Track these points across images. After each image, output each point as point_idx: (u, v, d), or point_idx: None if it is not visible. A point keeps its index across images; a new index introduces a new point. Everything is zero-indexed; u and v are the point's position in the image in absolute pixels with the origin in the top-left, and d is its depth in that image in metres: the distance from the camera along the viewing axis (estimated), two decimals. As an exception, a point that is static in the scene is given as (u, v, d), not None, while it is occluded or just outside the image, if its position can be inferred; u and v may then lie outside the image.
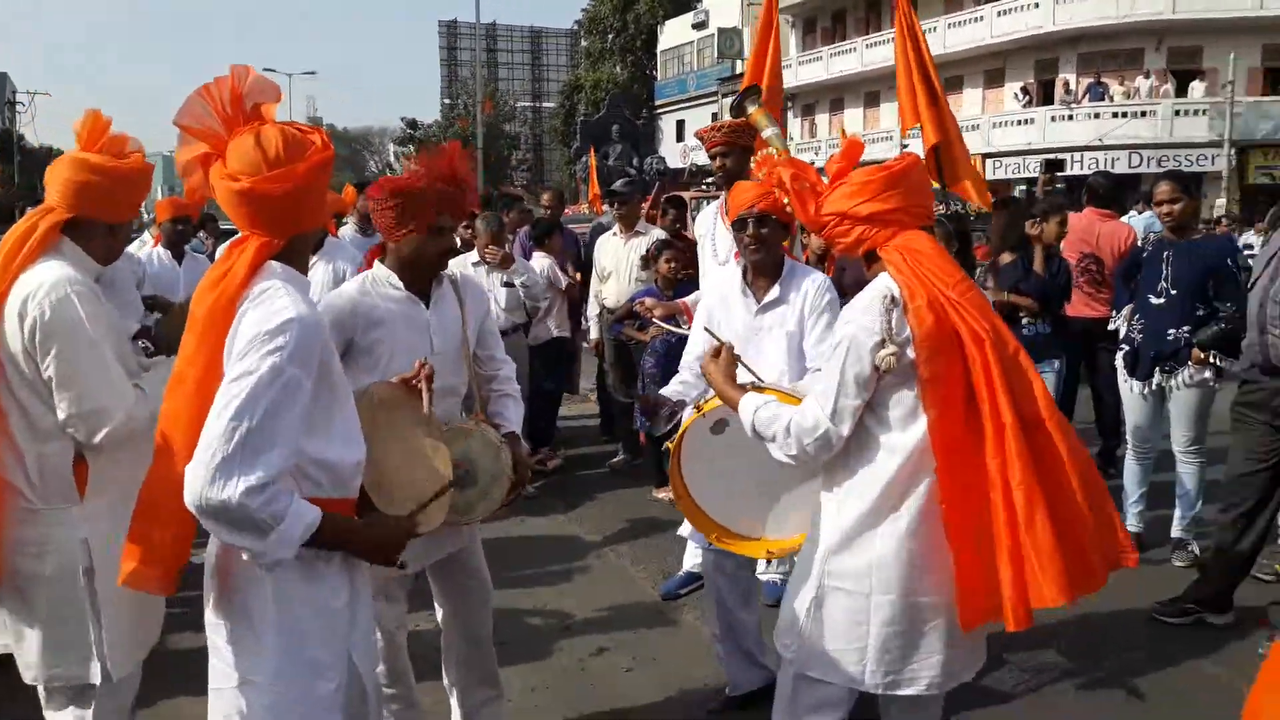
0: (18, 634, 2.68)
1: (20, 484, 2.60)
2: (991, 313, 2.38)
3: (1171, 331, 4.98)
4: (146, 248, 6.15)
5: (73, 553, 2.62)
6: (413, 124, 59.38)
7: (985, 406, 2.28)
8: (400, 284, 3.04)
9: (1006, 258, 5.60)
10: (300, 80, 55.87)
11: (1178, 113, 27.43)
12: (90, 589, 2.64)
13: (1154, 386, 5.11)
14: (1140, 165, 26.61)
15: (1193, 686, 3.92)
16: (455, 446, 2.91)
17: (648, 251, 6.57)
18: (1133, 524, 5.30)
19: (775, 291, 3.59)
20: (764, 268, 3.59)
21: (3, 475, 2.60)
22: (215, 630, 2.19)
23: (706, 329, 3.27)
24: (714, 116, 43.52)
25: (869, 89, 35.73)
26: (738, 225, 3.53)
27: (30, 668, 2.69)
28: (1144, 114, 27.63)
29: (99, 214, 2.71)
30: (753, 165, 3.57)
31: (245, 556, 2.02)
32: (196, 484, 1.90)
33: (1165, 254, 5.05)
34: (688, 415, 3.17)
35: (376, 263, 3.14)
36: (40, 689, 2.75)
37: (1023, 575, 2.26)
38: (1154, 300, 5.07)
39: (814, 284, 3.61)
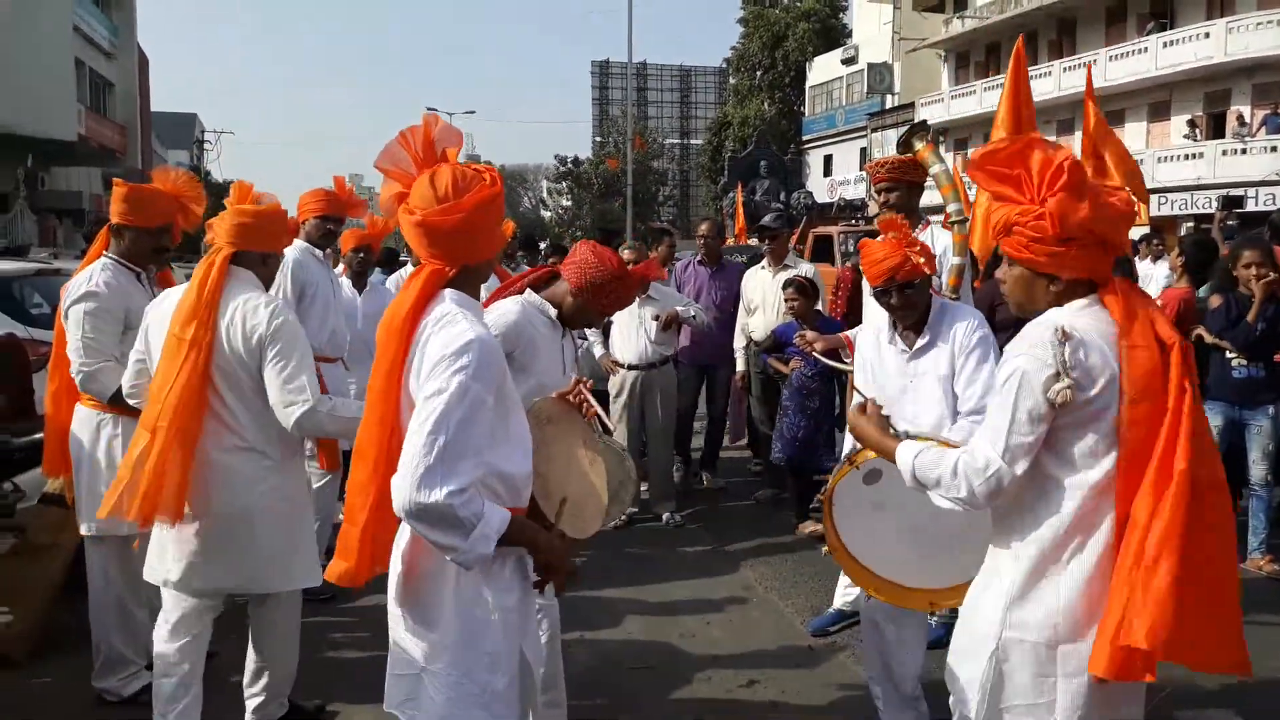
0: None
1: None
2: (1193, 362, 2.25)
3: None
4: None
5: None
6: (574, 161, 60.84)
7: (1158, 452, 2.14)
8: (553, 314, 3.42)
9: (1215, 300, 5.63)
10: (460, 119, 58.00)
11: (1365, 146, 25.67)
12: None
13: None
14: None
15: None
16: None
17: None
18: None
19: (925, 336, 3.55)
20: (912, 322, 3.58)
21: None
22: (397, 621, 2.41)
23: (855, 388, 3.30)
24: (862, 151, 43.15)
25: (1025, 123, 34.78)
26: (880, 295, 3.53)
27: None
28: (1326, 146, 25.96)
29: (256, 246, 3.46)
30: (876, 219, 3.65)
31: (449, 558, 2.21)
32: (405, 491, 2.11)
33: None
34: (838, 469, 3.14)
35: (530, 290, 3.46)
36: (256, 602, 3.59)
37: (1124, 611, 2.11)
38: None
39: (965, 322, 3.56)
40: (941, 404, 3.51)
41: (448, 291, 2.34)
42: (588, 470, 2.85)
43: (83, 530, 3.99)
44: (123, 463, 3.35)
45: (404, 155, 2.36)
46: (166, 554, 3.33)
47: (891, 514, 2.94)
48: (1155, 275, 11.47)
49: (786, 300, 6.24)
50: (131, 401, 3.54)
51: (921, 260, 3.44)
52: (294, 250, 5.28)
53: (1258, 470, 5.39)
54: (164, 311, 3.35)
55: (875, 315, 3.82)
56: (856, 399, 2.82)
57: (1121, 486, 2.19)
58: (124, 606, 4.01)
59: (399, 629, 2.41)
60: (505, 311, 3.34)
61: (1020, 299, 2.38)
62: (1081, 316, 2.24)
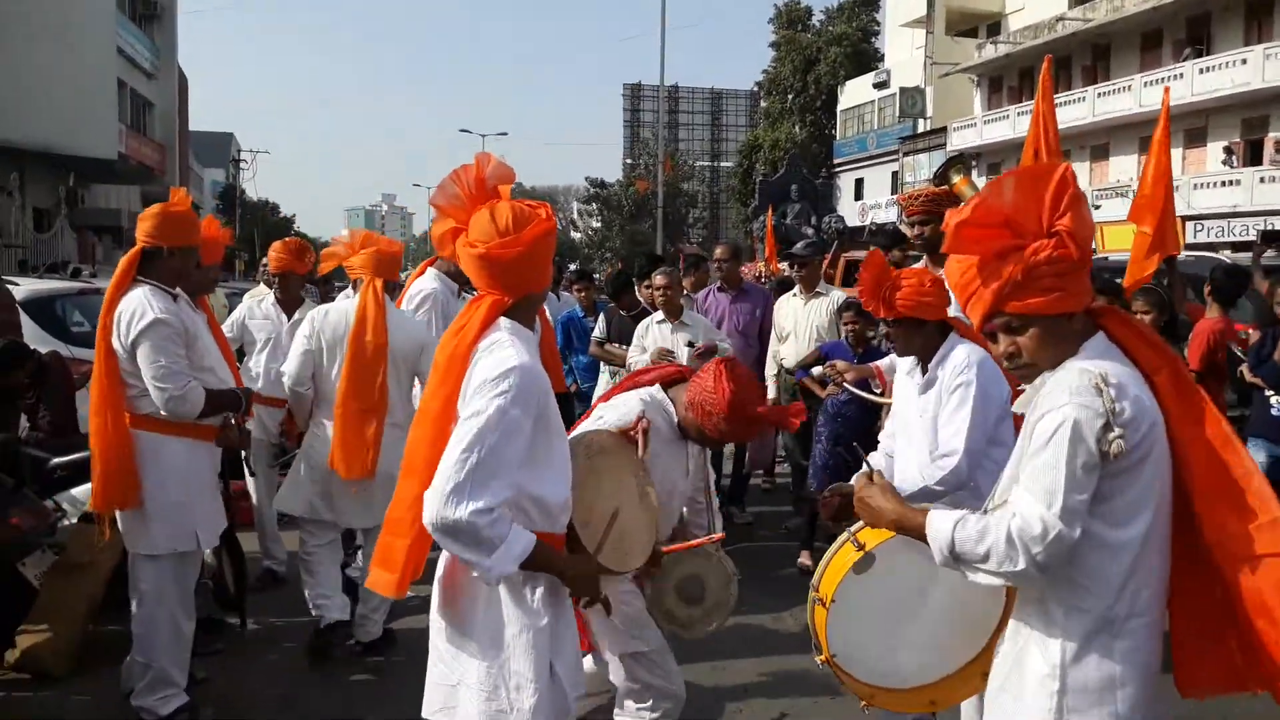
0: None
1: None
2: None
3: None
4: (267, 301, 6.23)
5: None
6: (603, 183, 61.15)
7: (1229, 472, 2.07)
8: (675, 418, 3.27)
9: (1255, 335, 5.71)
10: (493, 140, 58.49)
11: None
12: None
13: None
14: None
15: None
16: (694, 564, 3.31)
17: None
18: None
19: (931, 372, 3.48)
20: (917, 354, 3.56)
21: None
22: (438, 631, 2.52)
23: (857, 452, 3.05)
24: (894, 175, 43.06)
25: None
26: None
27: None
28: (1366, 174, 25.65)
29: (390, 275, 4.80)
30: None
31: (474, 574, 2.30)
32: (433, 505, 2.22)
33: None
34: (834, 552, 2.73)
35: (659, 387, 3.36)
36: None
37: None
38: None
39: (954, 361, 3.38)
40: (926, 453, 3.43)
41: (503, 320, 2.45)
42: (637, 504, 2.88)
43: (142, 550, 4.03)
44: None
45: (457, 192, 2.46)
46: (335, 500, 4.74)
47: (885, 603, 2.62)
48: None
49: (846, 324, 6.17)
50: (301, 389, 4.82)
51: (895, 302, 3.41)
52: (430, 280, 5.44)
53: None
54: (333, 321, 4.82)
55: (902, 363, 3.81)
56: (863, 469, 2.58)
57: (1178, 536, 2.11)
58: (176, 623, 4.06)
59: (439, 639, 2.51)
60: (628, 410, 3.19)
61: (1051, 355, 2.12)
62: (1105, 362, 2.08)
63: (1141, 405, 2.03)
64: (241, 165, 57.84)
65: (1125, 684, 2.06)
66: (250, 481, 5.93)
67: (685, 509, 3.63)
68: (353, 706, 4.31)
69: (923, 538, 2.15)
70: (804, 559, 6.39)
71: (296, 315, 5.95)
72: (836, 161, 49.60)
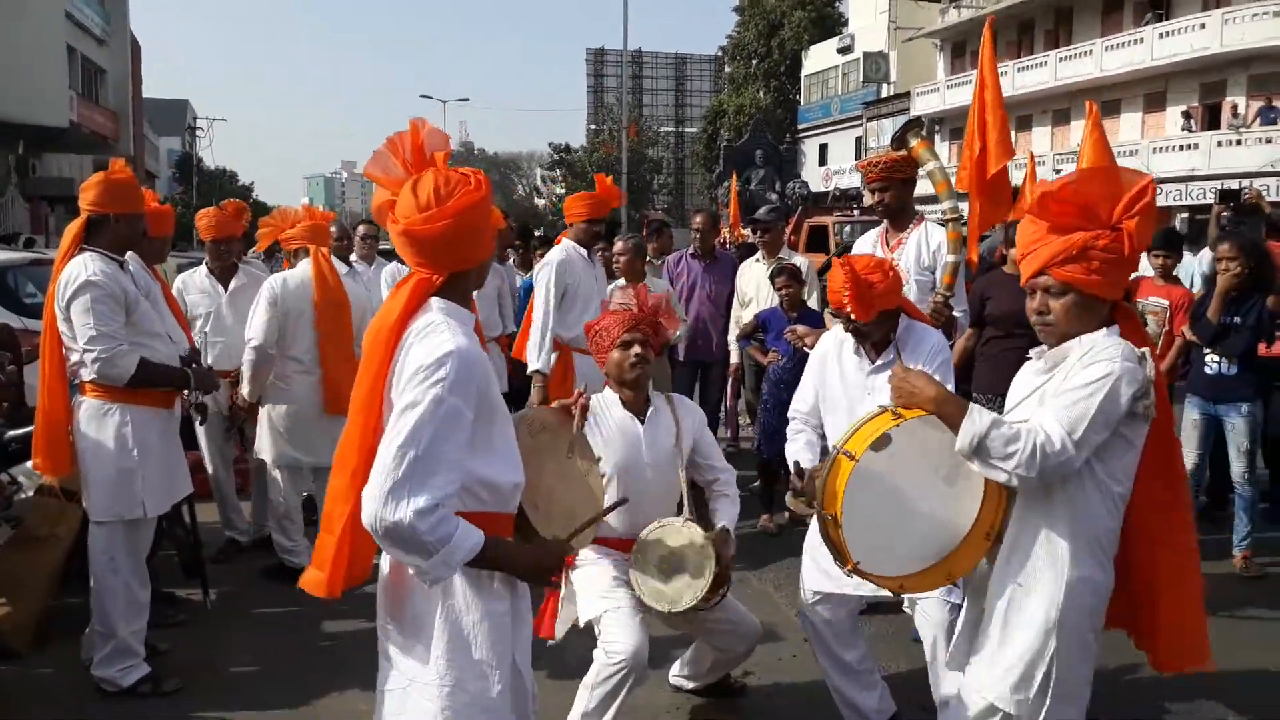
0: None
1: None
2: None
3: None
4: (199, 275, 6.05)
5: None
6: (567, 148, 60.70)
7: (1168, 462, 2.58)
8: (620, 403, 3.72)
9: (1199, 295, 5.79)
10: (454, 106, 57.81)
11: (1360, 137, 25.70)
12: None
13: None
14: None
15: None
16: (667, 541, 3.49)
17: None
18: None
19: (889, 355, 3.57)
20: (873, 340, 3.64)
21: None
22: (386, 635, 2.37)
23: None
24: (858, 140, 43.11)
25: (1020, 113, 34.75)
26: (835, 314, 3.62)
27: None
28: (1321, 138, 26.00)
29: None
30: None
31: (411, 572, 2.20)
32: (371, 506, 2.07)
33: None
34: (827, 472, 2.75)
35: (608, 387, 3.80)
36: None
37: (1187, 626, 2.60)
38: None
39: (929, 345, 3.64)
40: None
41: (434, 300, 2.27)
42: (583, 481, 2.87)
43: (93, 517, 4.04)
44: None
45: (393, 161, 2.29)
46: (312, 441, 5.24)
47: (880, 508, 2.73)
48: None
49: (779, 288, 6.27)
50: (271, 350, 5.22)
51: (876, 300, 3.47)
52: (560, 251, 5.83)
53: (1236, 467, 5.42)
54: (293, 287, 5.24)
55: (835, 333, 3.85)
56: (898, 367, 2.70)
57: (1145, 497, 2.55)
58: (131, 592, 4.06)
59: (387, 642, 2.37)
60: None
61: (1072, 327, 2.50)
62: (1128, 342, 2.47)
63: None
64: (198, 133, 56.89)
65: (1098, 613, 2.55)
66: (205, 452, 5.86)
67: (705, 483, 3.93)
68: (319, 676, 4.30)
69: (954, 422, 2.45)
70: (764, 521, 6.48)
71: (234, 284, 5.88)
72: (801, 127, 49.55)
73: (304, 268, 5.32)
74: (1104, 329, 2.50)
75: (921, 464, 2.64)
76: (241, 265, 6.12)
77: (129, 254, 4.23)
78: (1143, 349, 2.44)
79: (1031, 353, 2.68)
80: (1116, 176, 2.47)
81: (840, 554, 2.69)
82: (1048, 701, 2.47)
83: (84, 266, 3.91)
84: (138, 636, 4.10)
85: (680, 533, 3.52)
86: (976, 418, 2.42)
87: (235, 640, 4.71)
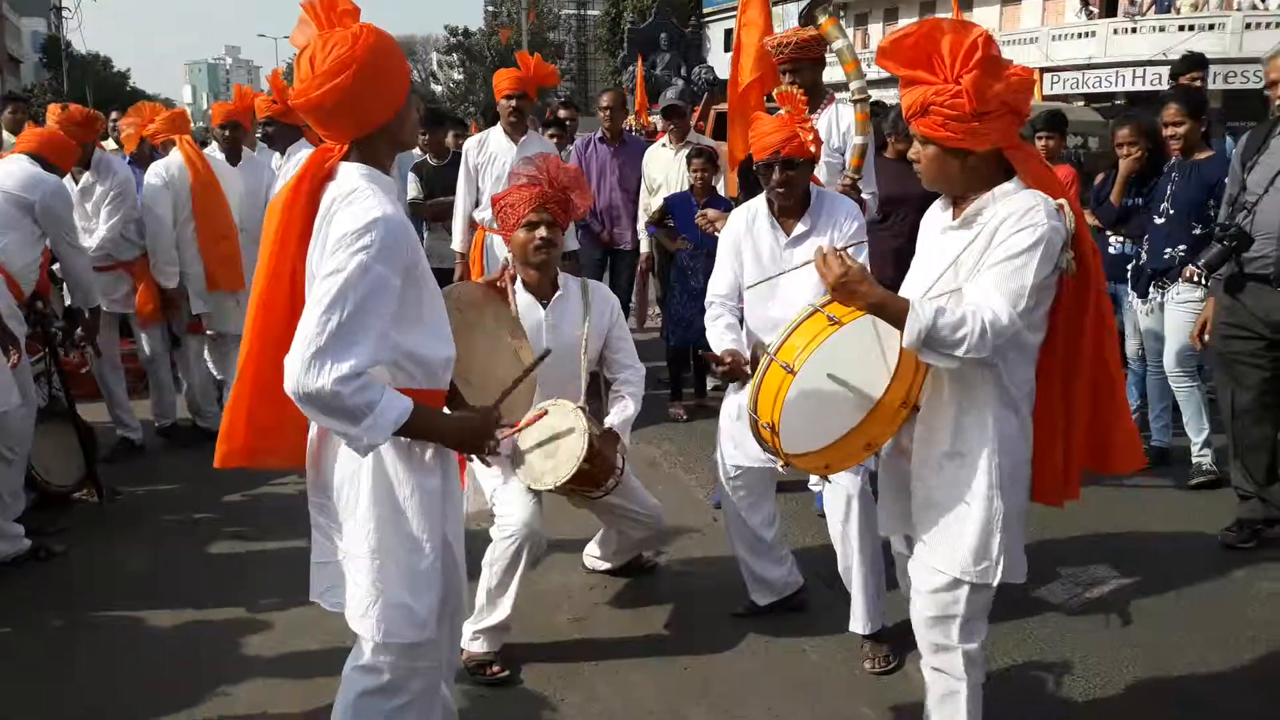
0: None
1: None
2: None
3: (1168, 250, 5.09)
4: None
5: None
6: (465, 32, 58.56)
7: (1092, 305, 2.51)
8: (524, 286, 3.59)
9: (1099, 178, 5.89)
10: (343, -14, 54.93)
11: (1249, 26, 26.33)
12: None
13: (1156, 304, 5.25)
14: (1211, 82, 25.67)
15: (1245, 600, 3.96)
16: (550, 420, 3.38)
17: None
18: (1159, 439, 5.50)
19: (805, 224, 3.53)
20: (790, 208, 3.56)
21: None
22: (316, 509, 2.37)
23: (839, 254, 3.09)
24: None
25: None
26: (763, 168, 3.49)
27: None
28: (1212, 27, 26.56)
29: None
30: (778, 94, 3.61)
31: (342, 443, 2.15)
32: (294, 372, 2.03)
33: (1171, 174, 5.16)
34: (761, 378, 2.62)
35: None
36: None
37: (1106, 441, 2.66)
38: (1156, 220, 5.20)
39: (847, 214, 3.58)
40: (814, 293, 3.33)
41: (355, 166, 2.19)
42: (514, 352, 2.83)
43: None
44: None
45: (311, 28, 2.14)
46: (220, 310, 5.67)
47: (808, 411, 2.66)
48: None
49: (694, 169, 6.19)
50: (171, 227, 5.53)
51: (810, 139, 3.43)
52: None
53: (1130, 345, 5.61)
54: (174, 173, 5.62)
55: (743, 210, 3.72)
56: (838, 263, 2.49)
57: (1061, 343, 2.52)
58: None
59: (318, 516, 2.37)
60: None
61: (935, 176, 2.51)
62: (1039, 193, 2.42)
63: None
64: (65, 13, 53.20)
65: (1025, 465, 2.57)
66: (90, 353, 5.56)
67: (610, 379, 3.86)
68: (220, 579, 4.21)
69: (898, 321, 2.35)
70: (675, 409, 6.55)
71: (85, 178, 5.45)
72: (706, 11, 48.54)
73: (175, 156, 5.62)
74: (1012, 180, 2.44)
75: (851, 360, 2.61)
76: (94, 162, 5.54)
77: None
78: (1059, 199, 2.40)
79: (937, 203, 2.65)
80: (952, 30, 2.34)
81: (775, 452, 2.67)
82: (1004, 558, 2.53)
83: None
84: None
85: (567, 416, 3.44)
86: (920, 312, 2.32)
87: (136, 541, 4.58)
